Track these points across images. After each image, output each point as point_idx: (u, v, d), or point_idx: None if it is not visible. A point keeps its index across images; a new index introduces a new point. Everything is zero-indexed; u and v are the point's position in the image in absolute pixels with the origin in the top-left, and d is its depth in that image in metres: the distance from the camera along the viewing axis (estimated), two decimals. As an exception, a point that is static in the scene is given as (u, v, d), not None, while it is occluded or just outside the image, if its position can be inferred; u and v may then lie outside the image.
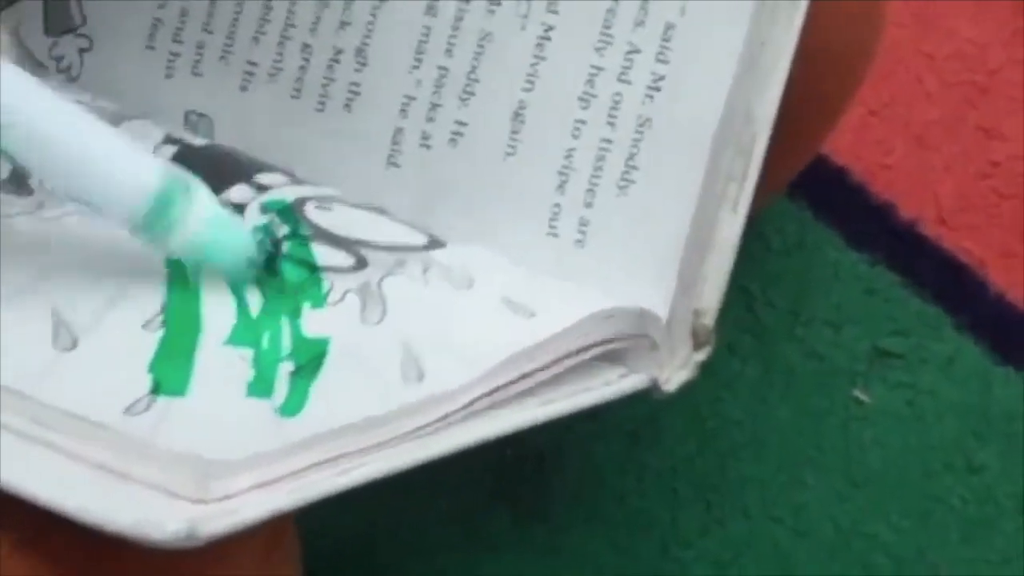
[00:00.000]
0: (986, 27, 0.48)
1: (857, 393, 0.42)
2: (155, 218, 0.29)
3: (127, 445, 0.27)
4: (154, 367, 0.29)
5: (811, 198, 0.45)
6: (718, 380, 0.42)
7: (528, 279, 0.31)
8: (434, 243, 0.31)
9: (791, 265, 0.44)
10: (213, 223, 0.30)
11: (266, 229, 0.31)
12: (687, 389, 0.31)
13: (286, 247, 0.31)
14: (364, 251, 0.31)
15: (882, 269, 0.44)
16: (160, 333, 0.29)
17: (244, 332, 0.30)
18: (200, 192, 0.30)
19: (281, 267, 0.31)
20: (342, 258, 0.31)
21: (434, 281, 0.30)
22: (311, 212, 0.32)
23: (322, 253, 0.31)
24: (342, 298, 0.30)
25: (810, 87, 0.31)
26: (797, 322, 0.43)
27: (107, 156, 0.29)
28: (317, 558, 0.33)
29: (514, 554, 0.39)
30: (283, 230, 0.31)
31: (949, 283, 0.44)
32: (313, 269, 0.30)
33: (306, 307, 0.30)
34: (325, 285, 0.30)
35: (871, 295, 0.43)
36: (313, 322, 0.30)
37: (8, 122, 0.28)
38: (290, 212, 0.32)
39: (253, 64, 0.33)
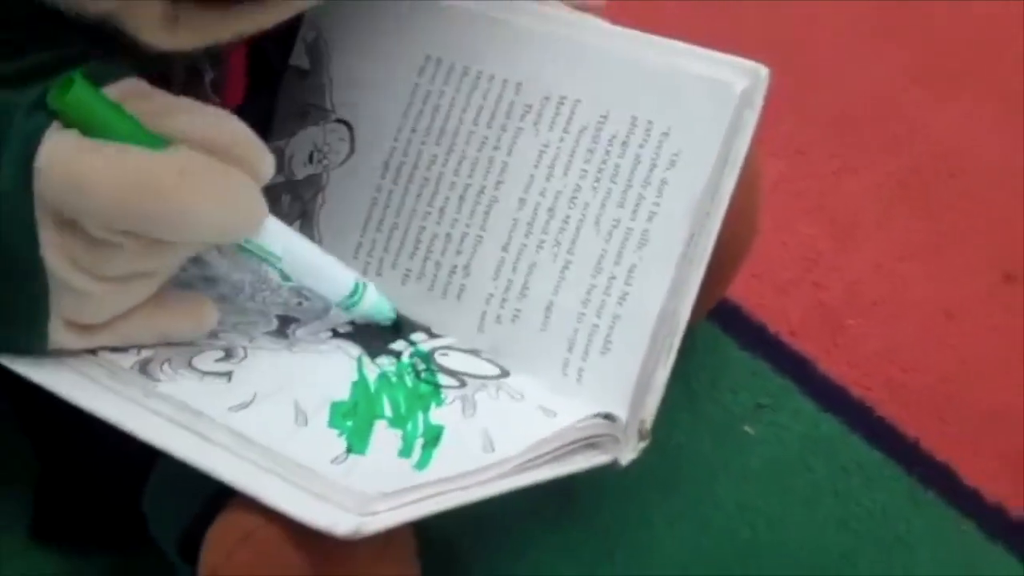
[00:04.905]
0: (822, 227, 0.71)
1: (747, 428, 0.62)
2: (350, 299, 0.51)
3: (328, 483, 0.41)
4: (349, 438, 0.45)
5: (720, 321, 0.65)
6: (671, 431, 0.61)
7: (554, 395, 0.49)
8: (504, 373, 0.50)
9: (708, 362, 0.63)
10: (376, 303, 0.52)
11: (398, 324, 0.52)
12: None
13: (424, 374, 0.49)
14: (464, 378, 0.50)
15: (759, 360, 0.64)
16: (352, 421, 0.46)
17: (398, 420, 0.46)
18: (371, 287, 0.51)
19: (421, 383, 0.49)
20: (452, 381, 0.49)
21: (502, 396, 0.49)
22: (438, 356, 0.51)
23: (442, 379, 0.49)
24: (452, 402, 0.48)
25: (717, 260, 0.49)
26: (714, 391, 0.63)
27: (329, 269, 0.51)
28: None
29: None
30: (421, 366, 0.50)
31: (797, 367, 0.65)
32: (437, 387, 0.49)
33: (432, 406, 0.47)
34: (443, 395, 0.48)
35: (754, 375, 0.64)
36: (436, 416, 0.47)
37: (284, 255, 0.49)
38: (427, 357, 0.51)
39: (408, 270, 0.53)
